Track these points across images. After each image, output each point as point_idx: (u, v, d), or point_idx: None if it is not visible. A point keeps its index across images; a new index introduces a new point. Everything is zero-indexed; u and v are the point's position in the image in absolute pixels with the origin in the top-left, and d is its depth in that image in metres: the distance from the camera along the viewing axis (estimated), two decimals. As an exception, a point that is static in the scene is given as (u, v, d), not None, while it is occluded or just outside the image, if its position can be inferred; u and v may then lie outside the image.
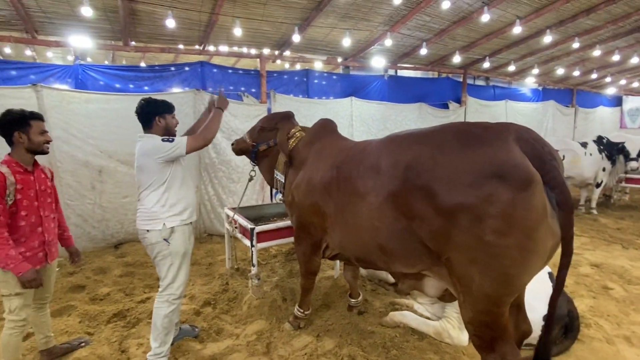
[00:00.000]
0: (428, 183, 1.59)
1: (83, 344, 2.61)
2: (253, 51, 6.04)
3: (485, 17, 5.03)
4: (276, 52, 6.23)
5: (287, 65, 8.94)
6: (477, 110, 8.34)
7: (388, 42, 5.63)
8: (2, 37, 4.74)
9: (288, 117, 2.98)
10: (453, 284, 1.64)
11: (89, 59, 7.58)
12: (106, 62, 8.22)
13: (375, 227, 1.83)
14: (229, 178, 5.30)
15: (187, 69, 5.46)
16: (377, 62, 6.97)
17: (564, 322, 2.46)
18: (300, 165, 2.60)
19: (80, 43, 4.75)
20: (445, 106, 8.09)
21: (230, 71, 5.89)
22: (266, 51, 6.08)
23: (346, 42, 5.42)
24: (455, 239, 1.51)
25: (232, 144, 3.26)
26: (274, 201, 5.63)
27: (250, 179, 3.23)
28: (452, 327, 2.63)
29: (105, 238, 4.68)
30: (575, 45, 6.73)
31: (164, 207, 2.31)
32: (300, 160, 2.62)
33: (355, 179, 1.97)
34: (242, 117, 5.41)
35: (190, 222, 2.49)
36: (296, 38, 5.11)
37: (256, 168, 3.21)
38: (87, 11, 3.87)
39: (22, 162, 2.18)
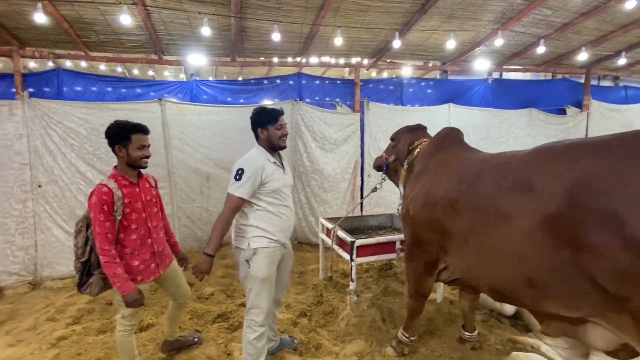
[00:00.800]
0: (610, 207, 1.24)
1: (197, 340, 2.76)
2: (344, 60, 6.02)
3: (630, 4, 4.16)
4: (365, 61, 6.11)
5: (374, 74, 8.76)
6: (604, 116, 7.06)
7: (498, 41, 5.05)
8: (136, 59, 5.52)
9: (413, 129, 2.86)
10: (643, 341, 1.25)
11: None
12: (210, 78, 9.07)
13: (524, 256, 1.51)
14: (321, 187, 5.31)
15: (278, 81, 5.63)
16: (481, 65, 6.34)
17: None
18: (417, 178, 2.38)
19: (197, 61, 5.27)
20: (562, 111, 7.01)
21: (318, 81, 5.92)
22: (356, 60, 6.01)
23: (450, 44, 5.01)
24: (658, 285, 1.14)
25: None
26: (364, 213, 5.49)
27: (374, 189, 3.35)
28: (599, 382, 2.12)
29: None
30: None
31: (251, 226, 2.17)
32: (419, 173, 2.41)
33: (495, 196, 1.67)
34: (336, 126, 5.42)
35: (285, 247, 2.31)
36: (396, 44, 4.90)
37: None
38: (206, 31, 4.26)
39: (127, 175, 2.13)
